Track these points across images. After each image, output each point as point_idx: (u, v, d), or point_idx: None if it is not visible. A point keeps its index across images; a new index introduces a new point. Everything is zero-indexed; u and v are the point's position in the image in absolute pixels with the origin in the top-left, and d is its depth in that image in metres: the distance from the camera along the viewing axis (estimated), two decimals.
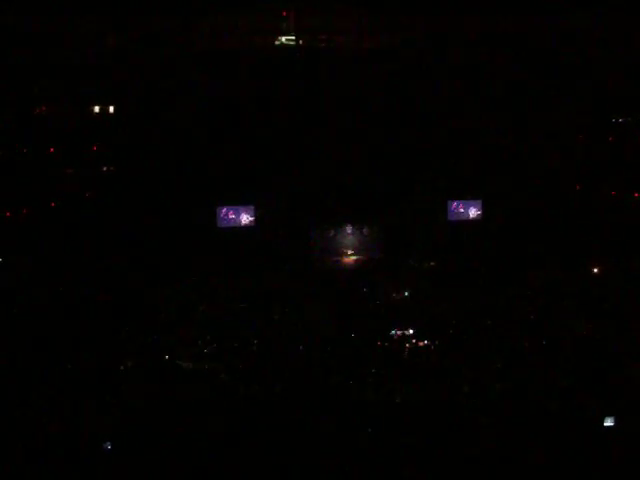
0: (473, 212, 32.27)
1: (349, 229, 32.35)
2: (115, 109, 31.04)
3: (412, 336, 21.46)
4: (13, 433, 14.51)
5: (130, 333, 21.61)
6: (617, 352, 19.02)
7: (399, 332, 21.55)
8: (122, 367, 19.17)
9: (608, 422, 12.66)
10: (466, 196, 31.93)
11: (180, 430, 14.73)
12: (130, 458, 13.82)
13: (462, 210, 32.27)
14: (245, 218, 31.30)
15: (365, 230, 32.44)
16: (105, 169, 31.12)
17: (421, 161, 31.35)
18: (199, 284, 27.16)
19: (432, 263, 30.81)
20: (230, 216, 31.24)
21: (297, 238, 31.27)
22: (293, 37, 30.70)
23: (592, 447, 13.37)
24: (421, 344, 20.92)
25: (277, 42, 30.78)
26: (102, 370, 18.45)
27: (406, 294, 26.53)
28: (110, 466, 13.57)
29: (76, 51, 28.93)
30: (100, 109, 30.96)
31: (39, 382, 17.37)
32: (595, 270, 27.90)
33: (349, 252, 32.27)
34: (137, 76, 29.82)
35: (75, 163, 30.41)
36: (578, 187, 31.65)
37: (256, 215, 31.33)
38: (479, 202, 32.13)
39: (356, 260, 32.10)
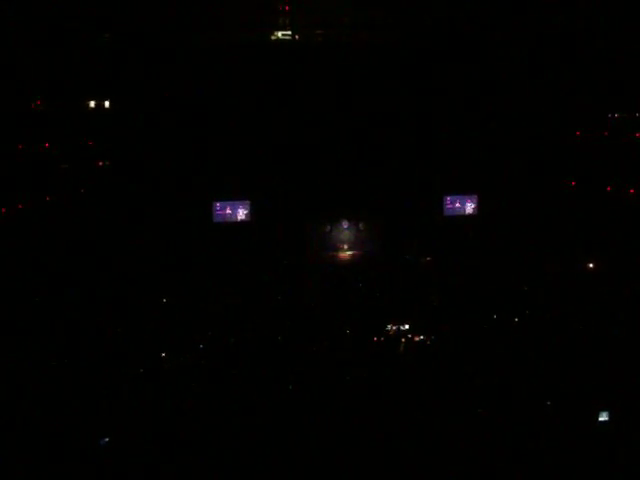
0: (469, 207, 32.30)
1: (345, 224, 32.37)
2: (111, 104, 30.99)
3: (407, 331, 21.49)
4: (10, 430, 14.50)
5: (126, 329, 21.56)
6: (613, 346, 19.04)
7: (394, 327, 21.57)
8: (119, 364, 19.13)
9: (603, 417, 12.64)
10: (462, 191, 31.99)
11: (178, 427, 14.75)
12: (127, 455, 13.81)
13: (458, 205, 32.30)
14: (241, 213, 31.30)
15: (361, 225, 32.46)
16: (101, 164, 31.08)
17: (417, 156, 31.37)
18: (195, 279, 27.14)
19: (428, 258, 30.86)
20: (226, 211, 31.23)
21: (293, 233, 31.28)
22: (289, 32, 30.65)
23: (587, 442, 13.40)
24: (417, 339, 20.94)
25: (273, 37, 30.73)
26: (98, 367, 18.43)
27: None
28: (107, 463, 13.56)
29: (72, 45, 28.87)
30: (96, 104, 30.91)
31: (36, 379, 17.35)
32: (591, 265, 27.94)
33: (345, 247, 32.30)
34: (133, 71, 29.78)
35: (70, 158, 30.36)
36: (574, 183, 31.71)
37: (252, 210, 31.32)
38: (475, 197, 32.19)
39: (352, 255, 32.13)
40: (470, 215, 32.33)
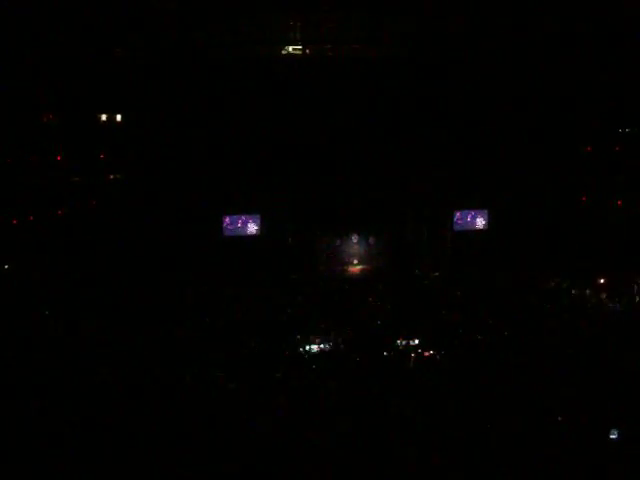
0: (479, 222, 32.26)
1: (355, 238, 32.38)
2: (122, 117, 31.19)
3: (417, 346, 21.42)
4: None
5: (134, 342, 21.58)
6: (622, 363, 18.93)
7: (404, 342, 21.52)
8: (125, 375, 19.14)
9: (613, 435, 12.51)
10: (472, 206, 31.96)
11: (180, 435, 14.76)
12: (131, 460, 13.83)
13: (468, 220, 32.26)
14: (251, 227, 31.32)
15: (371, 240, 32.46)
16: (112, 177, 31.24)
17: (427, 171, 31.38)
18: (204, 293, 27.17)
19: (436, 273, 30.79)
20: (236, 225, 31.27)
21: (303, 247, 31.30)
22: (300, 47, 30.82)
23: (597, 461, 13.29)
24: (427, 354, 20.87)
25: (284, 51, 30.92)
26: (106, 377, 18.46)
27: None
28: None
29: (83, 59, 29.13)
30: (107, 117, 31.11)
31: (40, 383, 17.42)
32: (601, 281, 27.80)
33: (355, 261, 32.28)
34: (144, 85, 29.98)
35: (82, 171, 30.55)
36: (584, 198, 31.64)
37: (262, 224, 31.35)
38: (485, 212, 32.15)
39: (362, 270, 32.11)
40: (480, 230, 32.28)
